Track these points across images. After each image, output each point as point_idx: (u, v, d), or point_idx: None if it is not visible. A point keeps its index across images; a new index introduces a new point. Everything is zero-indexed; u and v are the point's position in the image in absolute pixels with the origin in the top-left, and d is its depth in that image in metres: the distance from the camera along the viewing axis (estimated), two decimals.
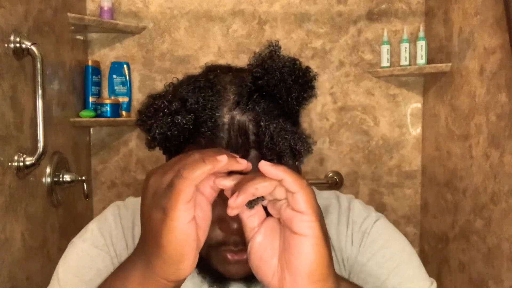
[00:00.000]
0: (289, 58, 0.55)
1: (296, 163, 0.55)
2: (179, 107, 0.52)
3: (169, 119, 0.52)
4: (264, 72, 0.53)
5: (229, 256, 0.54)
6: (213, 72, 0.57)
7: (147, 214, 0.46)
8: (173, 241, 0.44)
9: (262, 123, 0.51)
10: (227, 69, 0.59)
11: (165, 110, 0.52)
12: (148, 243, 0.46)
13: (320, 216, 0.46)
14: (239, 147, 0.51)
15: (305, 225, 0.45)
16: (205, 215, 0.48)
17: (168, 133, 0.52)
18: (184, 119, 0.52)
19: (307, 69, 0.55)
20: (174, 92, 0.56)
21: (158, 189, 0.45)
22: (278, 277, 0.47)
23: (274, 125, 0.51)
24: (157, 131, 0.53)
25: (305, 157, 0.54)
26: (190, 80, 0.56)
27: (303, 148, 0.53)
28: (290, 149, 0.52)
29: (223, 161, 0.43)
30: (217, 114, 0.52)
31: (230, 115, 0.52)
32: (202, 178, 0.43)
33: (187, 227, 0.44)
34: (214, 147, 0.51)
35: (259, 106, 0.52)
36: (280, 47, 0.55)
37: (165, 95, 0.55)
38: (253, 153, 0.52)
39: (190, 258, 0.45)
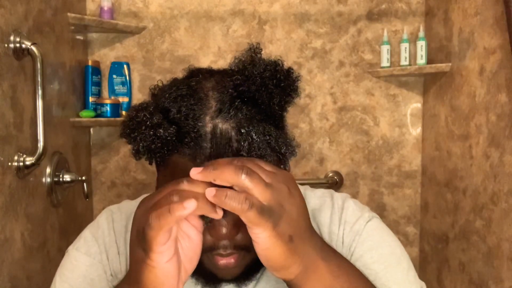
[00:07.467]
0: (270, 61, 0.54)
1: (282, 166, 0.55)
2: (161, 120, 0.52)
3: (151, 132, 0.52)
4: (244, 78, 0.53)
5: (219, 261, 0.55)
6: (195, 78, 0.56)
7: (132, 248, 0.48)
8: (153, 279, 0.46)
9: (243, 130, 0.51)
10: (210, 74, 0.58)
11: (147, 123, 0.52)
12: (131, 277, 0.49)
13: (274, 222, 0.46)
14: (222, 156, 0.51)
15: (253, 234, 0.47)
16: (193, 245, 0.49)
17: (152, 146, 0.52)
18: (166, 132, 0.51)
19: (289, 71, 0.55)
20: (156, 101, 0.56)
21: (139, 227, 0.46)
22: None
23: (255, 130, 0.51)
24: (140, 144, 0.52)
25: (290, 160, 0.55)
26: (172, 88, 0.55)
27: (287, 152, 0.53)
28: (274, 153, 0.52)
29: (189, 208, 0.43)
30: (199, 124, 0.51)
31: (213, 124, 0.51)
32: (171, 225, 0.44)
33: (166, 266, 0.46)
34: (199, 157, 0.51)
35: (241, 112, 0.52)
36: (261, 49, 0.55)
37: (147, 107, 0.54)
38: None
39: None
